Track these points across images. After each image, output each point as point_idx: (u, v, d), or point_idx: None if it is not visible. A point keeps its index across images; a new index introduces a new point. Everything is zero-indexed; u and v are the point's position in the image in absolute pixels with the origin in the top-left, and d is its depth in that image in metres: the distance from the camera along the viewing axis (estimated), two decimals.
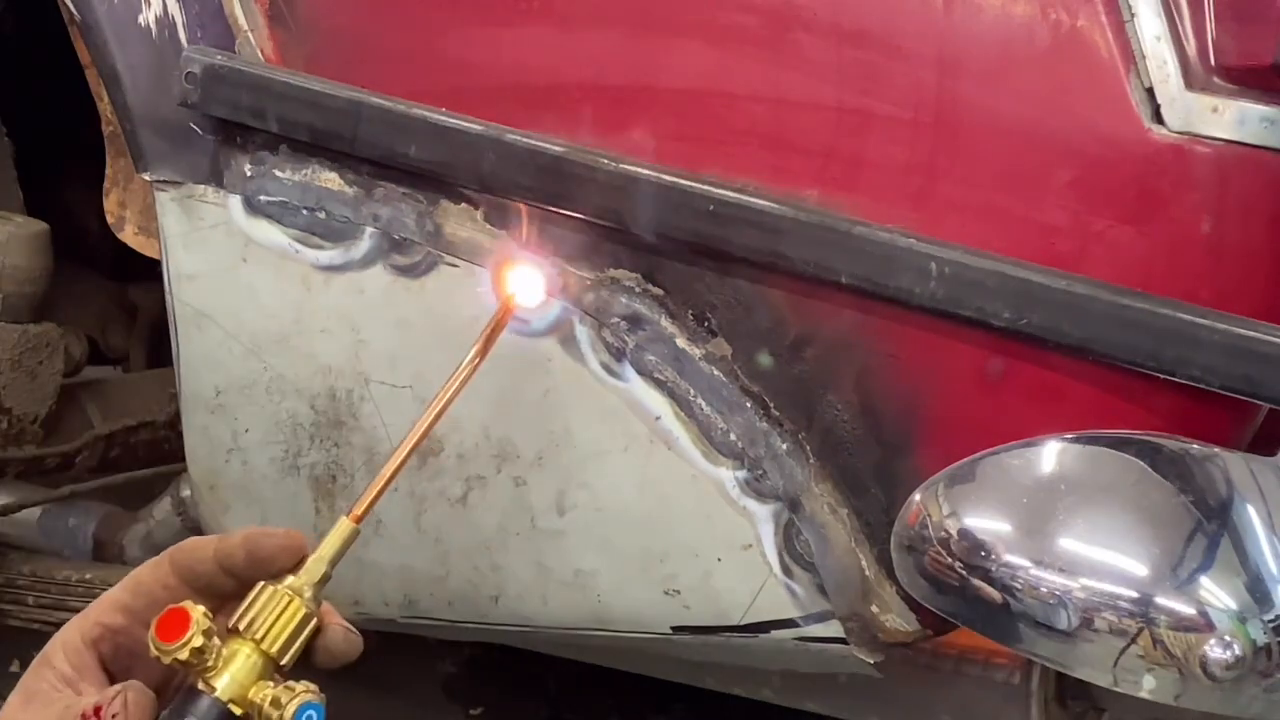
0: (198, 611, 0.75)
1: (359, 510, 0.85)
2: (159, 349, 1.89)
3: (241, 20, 1.13)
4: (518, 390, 1.07)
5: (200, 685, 0.75)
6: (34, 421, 1.54)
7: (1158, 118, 0.94)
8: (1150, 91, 0.94)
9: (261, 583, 0.79)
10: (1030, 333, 0.94)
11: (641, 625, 1.10)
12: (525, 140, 1.03)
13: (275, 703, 0.75)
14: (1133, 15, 0.94)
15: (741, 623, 1.06)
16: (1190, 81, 0.93)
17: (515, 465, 1.09)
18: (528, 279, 1.05)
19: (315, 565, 0.82)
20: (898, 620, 1.04)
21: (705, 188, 0.99)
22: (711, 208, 0.99)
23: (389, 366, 1.11)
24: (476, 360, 0.95)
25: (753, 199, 0.99)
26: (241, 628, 0.77)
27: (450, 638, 1.66)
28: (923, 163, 0.98)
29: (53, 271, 1.53)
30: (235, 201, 1.13)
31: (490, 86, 1.07)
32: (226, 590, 0.79)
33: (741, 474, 1.04)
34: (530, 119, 1.05)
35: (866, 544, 1.04)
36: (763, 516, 1.04)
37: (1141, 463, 0.91)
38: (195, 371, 1.17)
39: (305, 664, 0.80)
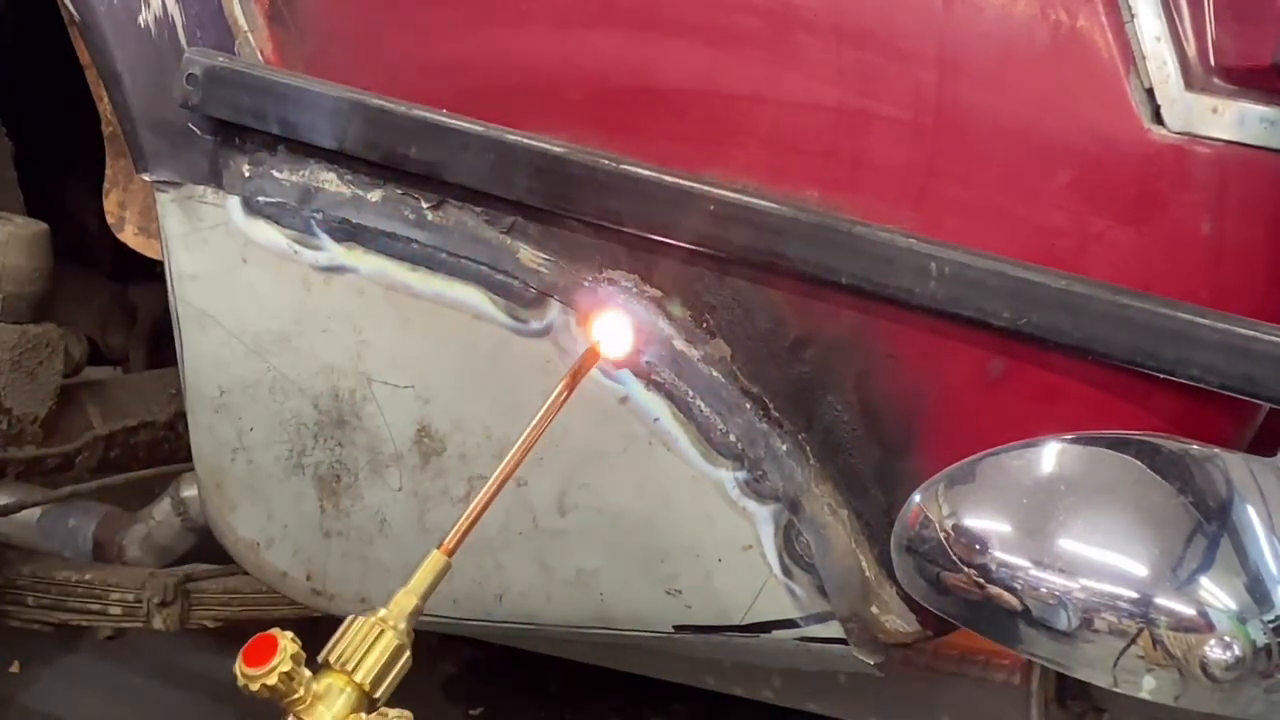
0: (285, 638, 0.74)
1: (450, 544, 0.87)
2: (159, 349, 1.89)
3: (241, 21, 1.13)
4: (518, 392, 1.07)
5: None
6: (34, 422, 1.54)
7: (1158, 118, 0.94)
8: (1150, 92, 0.94)
9: (351, 614, 0.78)
10: (1030, 333, 0.94)
11: (644, 624, 1.10)
12: (525, 141, 1.03)
13: None
14: (1133, 16, 0.94)
15: (742, 623, 1.06)
16: (1190, 82, 0.94)
17: None
18: (618, 327, 1.04)
19: (405, 598, 0.81)
20: (898, 621, 1.04)
21: (705, 188, 0.99)
22: (711, 208, 0.99)
23: (391, 367, 1.11)
24: (565, 394, 0.95)
25: (753, 199, 0.99)
26: (333, 660, 0.76)
27: (455, 634, 1.66)
28: (923, 163, 0.98)
29: (53, 271, 1.53)
30: (234, 202, 1.13)
31: (490, 87, 1.07)
32: None
33: (741, 475, 1.04)
34: (530, 120, 1.05)
35: (867, 545, 1.04)
36: (763, 517, 1.04)
37: (1141, 463, 0.91)
38: (199, 371, 1.17)
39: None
